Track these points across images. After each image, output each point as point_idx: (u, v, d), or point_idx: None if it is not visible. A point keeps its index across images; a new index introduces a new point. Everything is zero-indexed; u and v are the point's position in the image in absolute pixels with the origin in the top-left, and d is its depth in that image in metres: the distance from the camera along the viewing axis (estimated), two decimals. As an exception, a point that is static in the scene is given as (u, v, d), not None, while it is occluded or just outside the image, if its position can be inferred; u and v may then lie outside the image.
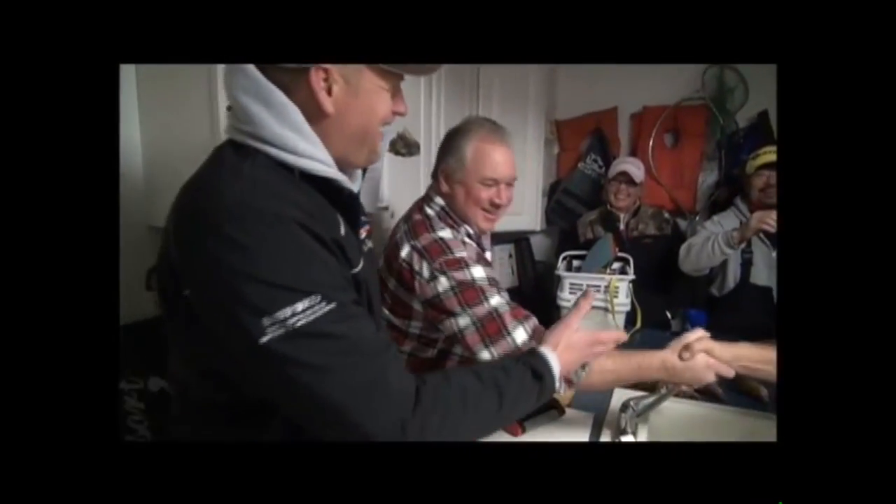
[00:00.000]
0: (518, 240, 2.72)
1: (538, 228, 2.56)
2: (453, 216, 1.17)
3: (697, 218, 2.29)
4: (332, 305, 0.53)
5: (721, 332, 1.74)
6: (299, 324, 0.51)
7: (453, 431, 0.61)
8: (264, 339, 0.50)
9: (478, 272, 1.05)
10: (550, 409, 1.11)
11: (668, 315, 1.90)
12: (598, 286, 1.74)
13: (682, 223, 2.29)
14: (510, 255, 2.72)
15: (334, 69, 0.61)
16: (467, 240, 1.15)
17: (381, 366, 0.56)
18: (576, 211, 2.47)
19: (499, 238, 2.64)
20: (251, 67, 0.58)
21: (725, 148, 2.31)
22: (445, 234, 1.11)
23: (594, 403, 1.23)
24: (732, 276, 1.84)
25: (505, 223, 2.37)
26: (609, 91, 2.56)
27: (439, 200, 1.17)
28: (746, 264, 1.81)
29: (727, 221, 1.90)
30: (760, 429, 1.18)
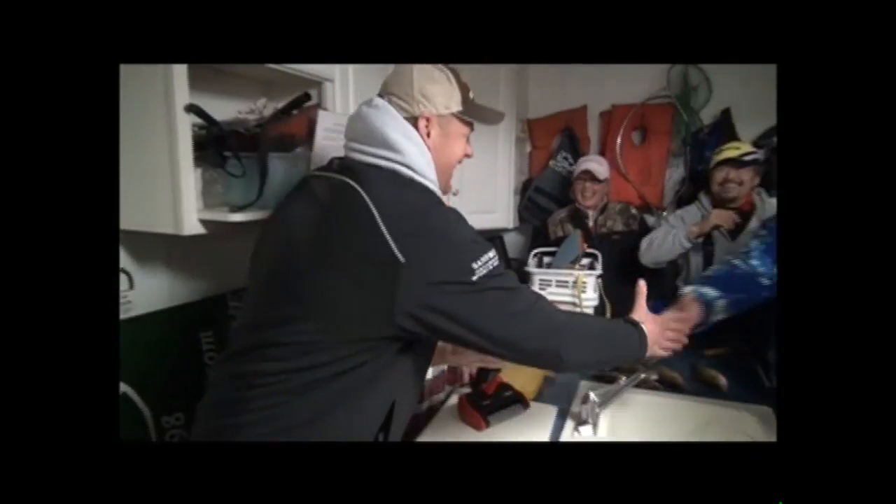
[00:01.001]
0: (492, 237, 2.74)
1: (511, 226, 2.58)
2: None
3: (665, 213, 2.34)
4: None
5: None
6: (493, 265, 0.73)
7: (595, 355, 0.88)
8: (475, 277, 0.70)
9: None
10: (515, 404, 1.13)
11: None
12: (566, 282, 1.76)
13: (650, 219, 2.33)
14: None
15: (434, 118, 0.81)
16: None
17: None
18: (547, 208, 2.50)
19: (473, 236, 2.66)
20: (393, 109, 0.79)
21: (690, 145, 2.37)
22: None
23: (558, 396, 1.26)
24: (695, 268, 1.89)
25: (479, 221, 2.39)
26: (578, 90, 2.60)
27: None
28: (708, 257, 1.86)
29: (689, 216, 1.95)
30: (720, 416, 1.22)
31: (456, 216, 0.75)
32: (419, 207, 0.72)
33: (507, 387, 1.16)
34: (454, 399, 1.20)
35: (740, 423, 1.19)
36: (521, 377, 1.28)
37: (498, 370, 1.15)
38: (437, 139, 0.82)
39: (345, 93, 1.34)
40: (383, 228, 0.68)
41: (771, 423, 1.13)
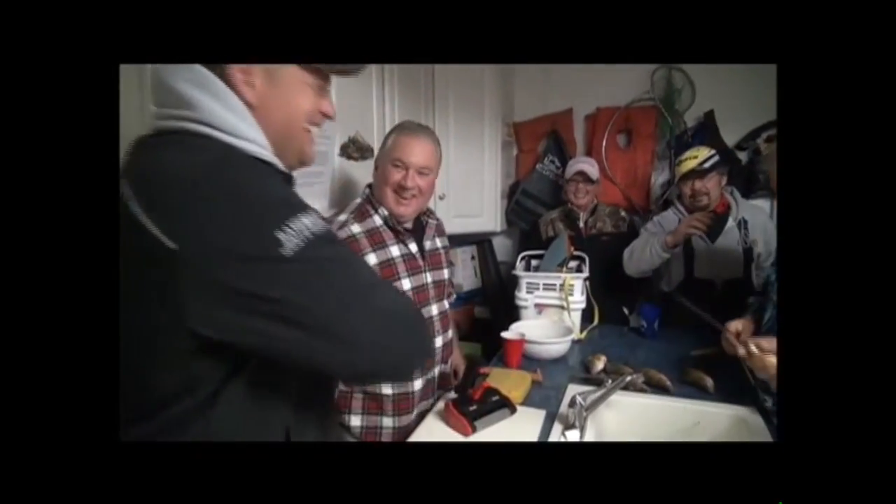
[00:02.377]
0: (480, 241, 2.74)
1: (499, 229, 2.58)
2: (373, 201, 1.29)
3: (652, 216, 2.36)
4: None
5: (672, 323, 1.84)
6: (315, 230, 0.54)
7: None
8: (286, 250, 0.52)
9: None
10: (502, 408, 1.12)
11: (626, 311, 1.94)
12: (554, 284, 1.76)
13: (639, 221, 2.35)
14: (472, 257, 2.75)
15: (255, 66, 0.62)
16: (379, 224, 1.28)
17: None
18: (535, 211, 2.50)
19: (461, 240, 2.66)
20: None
21: (675, 147, 2.39)
22: (343, 217, 1.26)
23: (546, 400, 1.26)
24: (677, 272, 1.91)
25: (466, 225, 2.43)
26: (564, 93, 2.61)
27: (366, 190, 1.33)
28: (689, 260, 1.88)
29: (667, 221, 1.97)
30: (706, 417, 1.22)
31: (257, 174, 0.57)
32: (194, 172, 0.53)
33: (494, 391, 1.15)
34: (441, 405, 1.19)
35: (725, 424, 1.20)
36: (509, 381, 1.28)
37: (485, 374, 1.15)
38: (264, 91, 0.63)
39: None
40: (137, 209, 0.51)
41: (754, 424, 1.14)
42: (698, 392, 1.31)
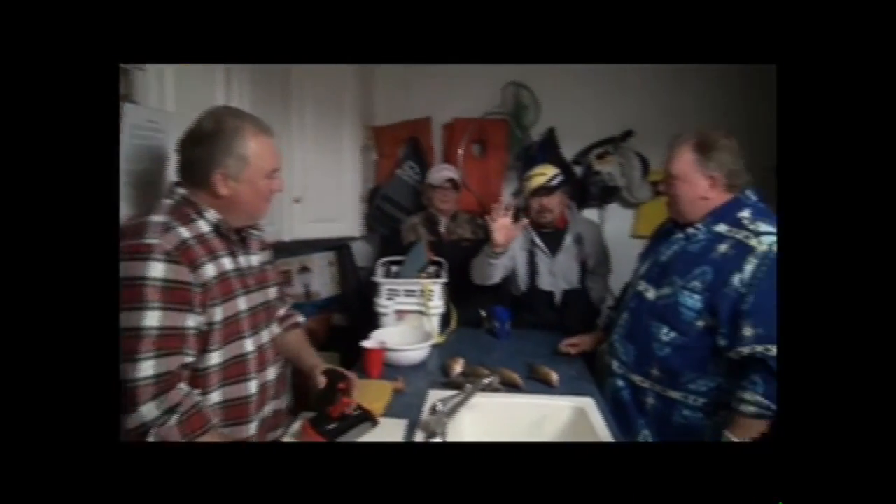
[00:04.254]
0: (339, 247, 2.66)
1: (358, 234, 2.54)
2: (195, 203, 1.02)
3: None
4: None
5: (520, 325, 1.98)
6: None
7: None
8: None
9: (156, 271, 0.87)
10: (363, 423, 1.09)
11: (482, 313, 2.04)
12: (414, 290, 1.78)
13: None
14: (331, 263, 2.66)
15: None
16: (207, 230, 1.01)
17: None
18: (395, 216, 2.51)
19: (319, 245, 2.56)
20: None
21: (523, 159, 2.58)
22: (162, 219, 0.95)
23: (407, 408, 1.26)
24: (523, 281, 2.05)
25: (325, 230, 2.34)
26: (423, 101, 2.67)
27: (179, 190, 1.03)
28: (532, 273, 2.04)
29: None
30: (553, 410, 1.33)
31: None
32: None
33: (354, 406, 1.12)
34: (297, 425, 1.12)
35: (568, 416, 1.32)
36: (370, 393, 1.25)
37: (344, 390, 1.11)
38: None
39: (160, 84, 1.18)
40: None
41: (592, 413, 1.27)
42: (545, 387, 1.43)
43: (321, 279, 2.62)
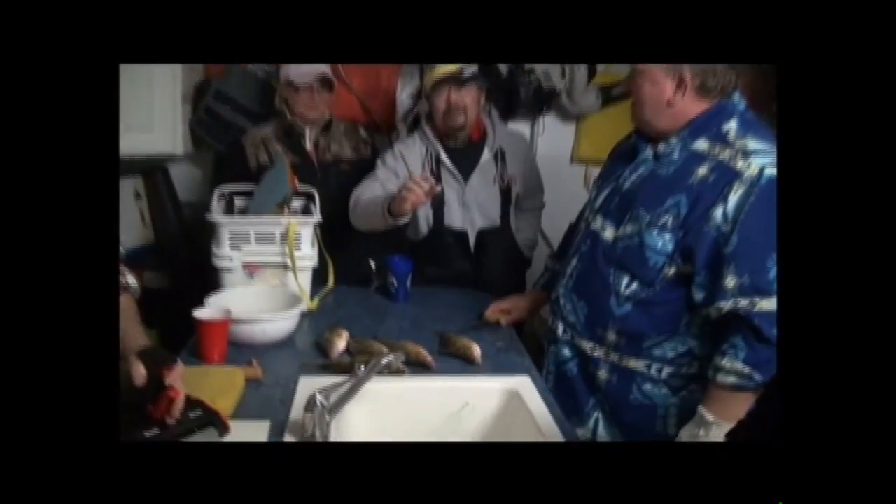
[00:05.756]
0: (149, 171, 2.54)
1: (180, 151, 2.44)
2: None
3: (395, 139, 2.44)
4: None
5: (423, 280, 1.98)
6: None
7: None
8: None
9: None
10: (205, 429, 1.02)
11: (371, 265, 2.00)
12: (272, 234, 1.71)
13: (382, 144, 2.41)
14: (137, 195, 2.55)
15: None
16: None
17: None
18: (235, 124, 2.41)
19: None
20: None
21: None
22: None
23: (268, 404, 1.24)
24: (424, 219, 2.05)
25: (131, 143, 2.15)
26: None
27: None
28: (439, 206, 2.03)
29: (411, 153, 2.04)
30: (477, 394, 1.36)
31: None
32: None
33: (192, 403, 1.04)
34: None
35: (497, 401, 1.36)
36: (211, 385, 1.21)
37: (172, 381, 1.03)
38: None
39: None
40: None
41: (529, 395, 1.32)
42: (464, 365, 1.46)
43: (122, 219, 2.42)
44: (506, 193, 2.06)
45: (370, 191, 1.93)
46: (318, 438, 1.04)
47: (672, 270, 1.29)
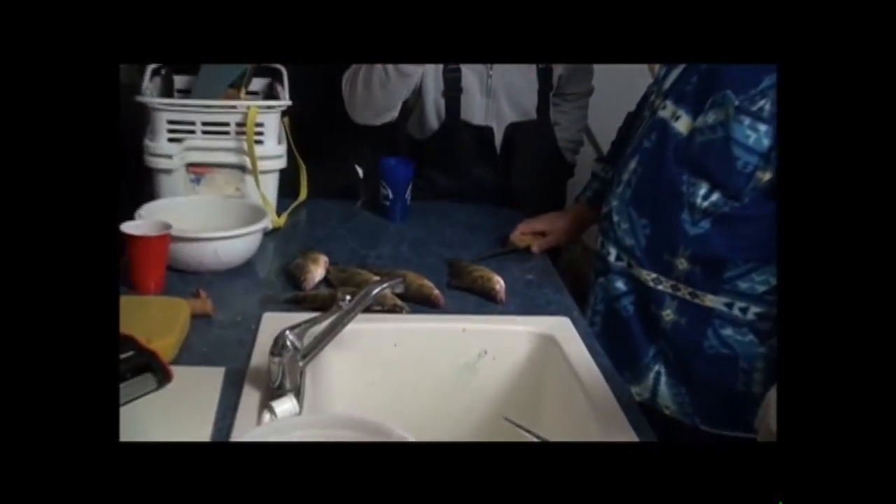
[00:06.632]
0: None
1: None
2: None
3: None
4: None
5: (429, 193, 2.00)
6: None
7: None
8: None
9: None
10: (141, 376, 1.05)
11: (359, 171, 2.00)
12: (226, 123, 1.70)
13: None
14: None
15: None
16: None
17: None
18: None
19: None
20: None
21: None
22: None
23: (223, 347, 1.27)
24: (434, 109, 2.02)
25: None
26: None
27: None
28: (453, 91, 2.00)
29: None
30: (501, 340, 1.39)
31: None
32: None
33: (122, 341, 1.06)
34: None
35: (525, 349, 1.38)
36: (147, 320, 1.24)
37: None
38: None
39: None
40: None
41: (569, 340, 1.34)
42: (482, 303, 1.48)
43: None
44: (544, 76, 2.05)
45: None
46: (289, 388, 1.07)
47: (767, 176, 1.29)
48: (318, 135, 1.96)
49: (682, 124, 1.38)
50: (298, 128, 1.85)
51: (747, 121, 1.28)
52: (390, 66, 1.82)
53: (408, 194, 1.91)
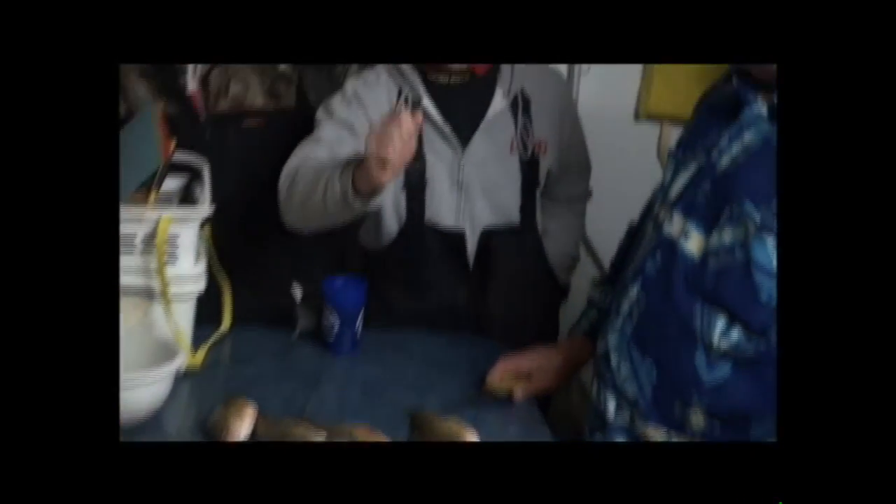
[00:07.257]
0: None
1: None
2: None
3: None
4: None
5: (385, 319, 2.00)
6: None
7: None
8: None
9: None
10: None
11: (297, 293, 1.99)
12: (132, 236, 1.68)
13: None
14: None
15: None
16: None
17: None
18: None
19: None
20: None
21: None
22: None
23: None
24: (393, 210, 2.02)
25: None
26: None
27: None
28: (417, 187, 2.00)
29: (373, 96, 2.00)
30: None
31: None
32: None
33: None
34: None
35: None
36: None
37: None
38: None
39: None
40: None
41: None
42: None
43: None
44: (529, 169, 2.06)
45: (313, 160, 1.85)
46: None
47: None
48: (246, 245, 1.96)
49: (694, 243, 1.39)
50: (221, 236, 1.86)
51: (771, 240, 1.28)
52: (352, 192, 1.67)
53: (358, 322, 1.90)
